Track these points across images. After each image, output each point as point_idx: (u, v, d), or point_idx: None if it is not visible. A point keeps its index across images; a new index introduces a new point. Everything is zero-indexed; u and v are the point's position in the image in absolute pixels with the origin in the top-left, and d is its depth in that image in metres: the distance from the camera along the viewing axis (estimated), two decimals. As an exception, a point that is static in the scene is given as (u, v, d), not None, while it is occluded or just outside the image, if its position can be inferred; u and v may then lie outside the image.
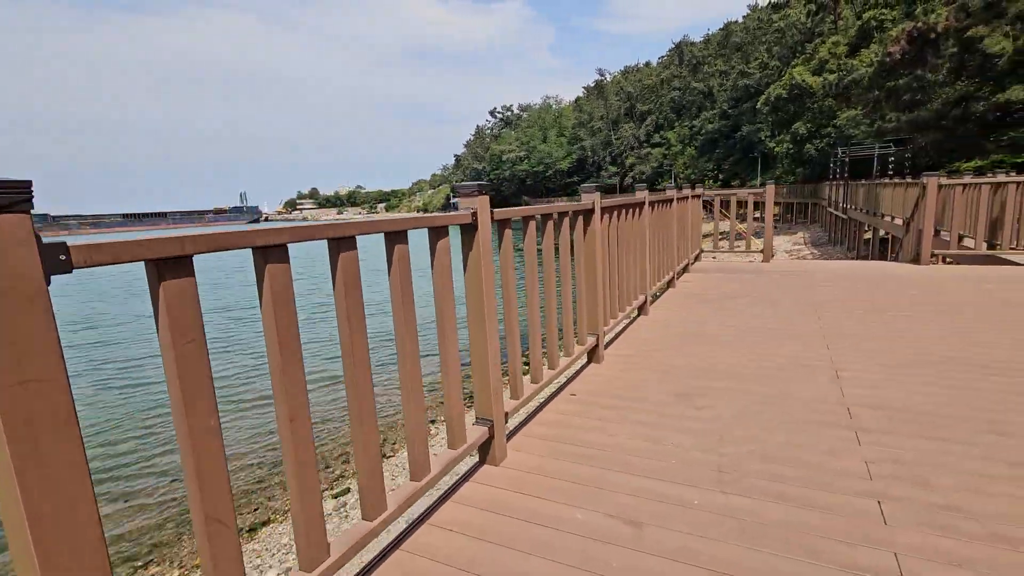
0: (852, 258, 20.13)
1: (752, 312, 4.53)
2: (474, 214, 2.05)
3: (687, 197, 6.89)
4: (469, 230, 2.07)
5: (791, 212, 39.03)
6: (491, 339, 2.15)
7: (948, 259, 6.69)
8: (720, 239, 7.45)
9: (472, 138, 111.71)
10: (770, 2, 51.92)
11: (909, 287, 5.19)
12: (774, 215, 40.98)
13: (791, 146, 30.81)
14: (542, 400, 2.91)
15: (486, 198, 2.09)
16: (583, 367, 3.42)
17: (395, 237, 1.67)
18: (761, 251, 7.23)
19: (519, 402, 2.47)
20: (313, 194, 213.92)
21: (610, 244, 3.68)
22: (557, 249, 2.96)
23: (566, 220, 3.16)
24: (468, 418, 2.15)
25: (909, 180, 8.98)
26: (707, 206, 7.71)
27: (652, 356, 3.56)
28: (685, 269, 6.60)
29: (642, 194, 4.49)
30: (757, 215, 42.01)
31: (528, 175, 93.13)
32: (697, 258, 7.53)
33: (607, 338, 4.05)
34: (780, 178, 44.79)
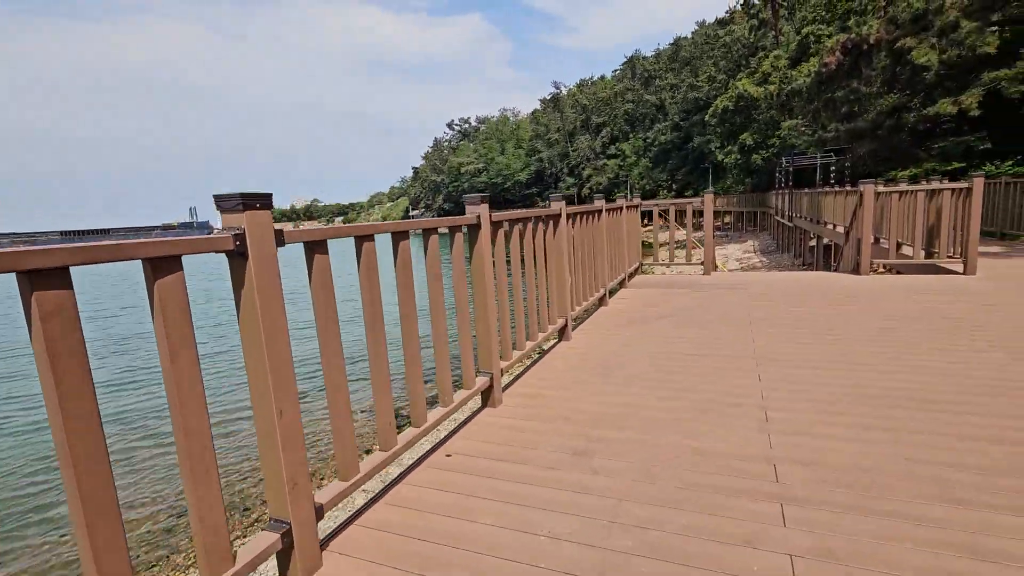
0: (799, 265, 20.48)
1: (682, 335, 4.07)
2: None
3: (620, 208, 6.48)
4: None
5: (742, 221, 40.05)
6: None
7: (888, 268, 6.50)
8: (677, 247, 7.08)
9: (430, 150, 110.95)
10: (717, 18, 53.73)
11: (849, 300, 4.88)
12: (725, 223, 41.94)
13: (739, 156, 31.52)
14: (409, 464, 2.31)
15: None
16: (475, 412, 2.85)
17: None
18: (702, 263, 6.89)
19: (339, 492, 1.81)
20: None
21: (516, 261, 3.14)
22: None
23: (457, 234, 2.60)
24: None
25: (849, 188, 8.89)
26: (662, 216, 7.32)
27: (558, 396, 3.02)
28: (622, 284, 6.16)
29: (557, 205, 3.99)
30: (718, 223, 42.94)
31: (487, 187, 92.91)
32: (637, 271, 7.12)
33: (512, 373, 3.49)
34: (730, 188, 45.97)
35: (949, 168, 19.14)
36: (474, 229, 2.79)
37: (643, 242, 7.25)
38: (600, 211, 5.24)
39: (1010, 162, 16.19)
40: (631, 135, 72.49)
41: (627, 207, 6.95)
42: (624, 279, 6.24)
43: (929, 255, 6.47)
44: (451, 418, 2.75)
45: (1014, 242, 8.66)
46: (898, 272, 6.77)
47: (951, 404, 2.56)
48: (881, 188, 6.24)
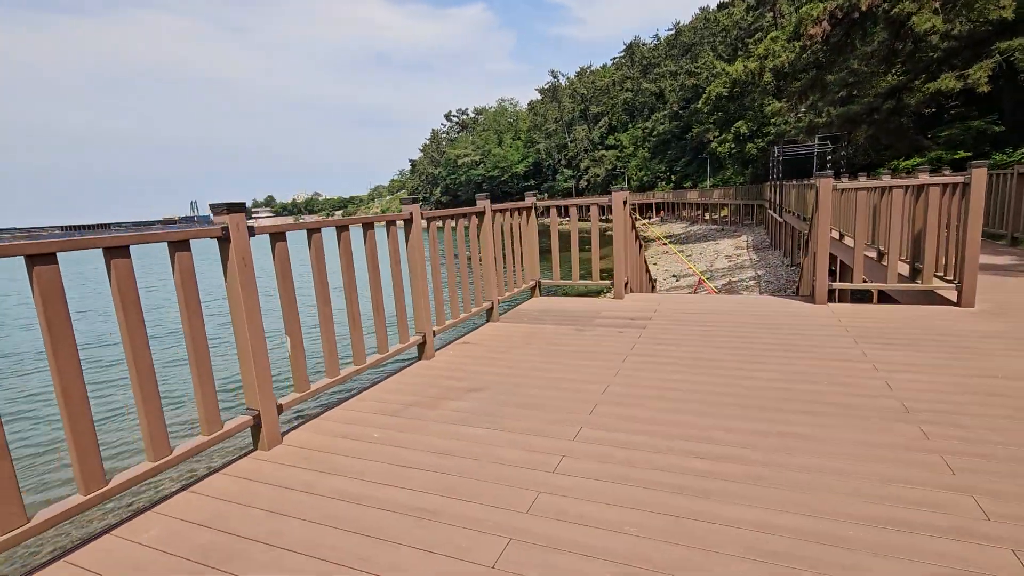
0: (787, 265, 18.72)
1: (478, 435, 2.40)
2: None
3: (507, 210, 4.85)
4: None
5: (739, 214, 38.06)
6: None
7: (857, 294, 4.78)
8: (662, 244, 5.40)
9: (428, 142, 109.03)
10: (719, 2, 51.33)
11: (773, 353, 3.20)
12: (723, 217, 39.79)
13: (733, 145, 29.59)
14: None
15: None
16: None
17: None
18: (610, 286, 5.18)
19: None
20: (269, 202, 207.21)
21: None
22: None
23: None
24: None
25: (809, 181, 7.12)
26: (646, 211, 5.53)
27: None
28: (490, 315, 4.51)
29: (410, 207, 3.52)
30: (715, 217, 40.80)
31: (484, 179, 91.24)
32: (537, 290, 5.46)
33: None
34: (730, 179, 43.92)
35: (956, 157, 17.22)
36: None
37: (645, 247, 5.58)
38: (482, 213, 3.95)
39: (1025, 149, 14.26)
40: (630, 125, 70.31)
41: (515, 210, 5.28)
42: (493, 306, 4.59)
43: (914, 272, 4.76)
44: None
45: (1029, 248, 6.89)
46: (865, 299, 5.06)
47: None
48: (843, 184, 4.48)
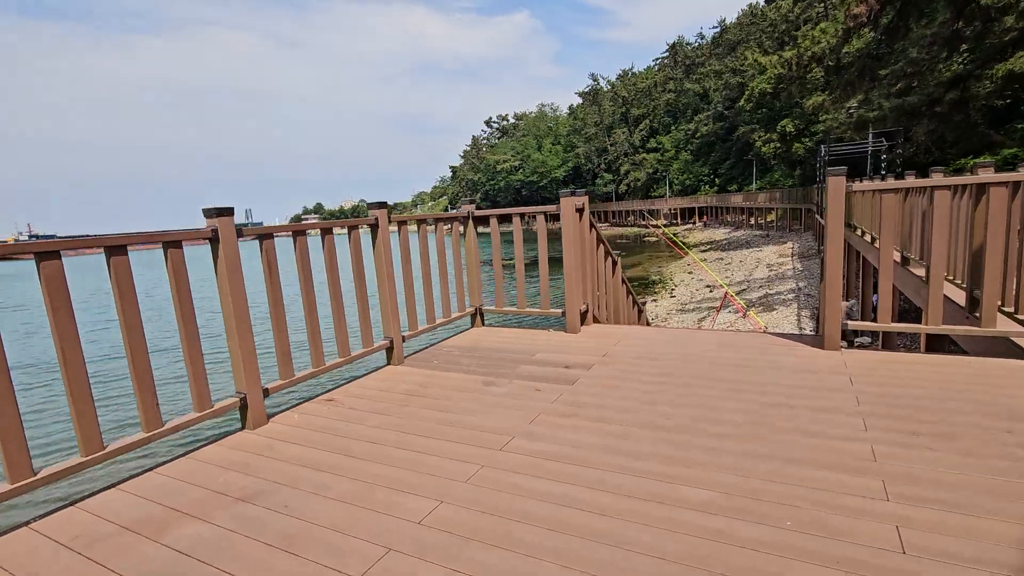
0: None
1: None
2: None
3: (425, 220, 3.95)
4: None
5: (786, 219, 35.54)
6: None
7: (875, 339, 3.52)
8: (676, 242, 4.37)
9: (468, 148, 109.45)
10: (765, -4, 48.60)
11: (750, 458, 2.06)
12: (768, 221, 37.48)
13: (779, 146, 27.47)
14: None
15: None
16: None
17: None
18: (562, 312, 4.12)
19: None
20: (317, 209, 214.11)
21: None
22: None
23: None
24: None
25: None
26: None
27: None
28: (390, 356, 3.56)
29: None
30: (759, 221, 38.36)
31: (523, 185, 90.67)
32: (478, 318, 4.49)
33: None
34: (777, 182, 41.23)
35: (1038, 154, 14.96)
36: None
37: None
38: (375, 224, 3.42)
39: (1126, 143, 12.10)
40: (672, 127, 67.93)
41: (449, 220, 4.35)
42: (389, 344, 3.64)
43: (973, 307, 3.48)
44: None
45: None
46: (894, 347, 3.79)
47: None
48: (862, 185, 3.25)
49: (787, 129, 25.98)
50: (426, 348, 3.93)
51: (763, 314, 12.59)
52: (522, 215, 4.27)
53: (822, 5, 28.72)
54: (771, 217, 37.93)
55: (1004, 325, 3.02)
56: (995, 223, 2.86)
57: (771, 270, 21.79)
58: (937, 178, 3.87)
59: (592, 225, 4.28)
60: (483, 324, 4.53)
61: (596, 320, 4.56)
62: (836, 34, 12.48)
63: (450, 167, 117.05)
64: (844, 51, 15.37)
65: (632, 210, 65.40)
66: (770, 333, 3.73)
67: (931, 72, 12.96)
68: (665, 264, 29.39)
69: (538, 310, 4.30)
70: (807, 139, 24.70)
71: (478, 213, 4.41)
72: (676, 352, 3.41)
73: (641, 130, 72.20)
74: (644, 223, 52.83)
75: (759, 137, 31.52)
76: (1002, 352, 3.08)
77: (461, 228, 4.44)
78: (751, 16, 48.79)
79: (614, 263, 4.91)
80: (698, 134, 58.40)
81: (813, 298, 14.08)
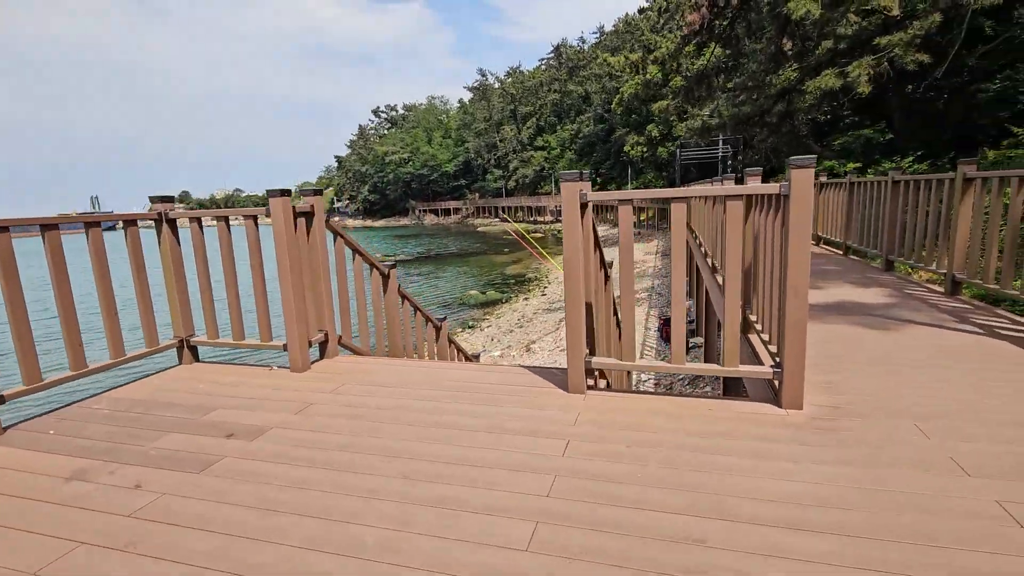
0: (687, 280, 17.72)
1: None
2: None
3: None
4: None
5: (656, 219, 37.71)
6: None
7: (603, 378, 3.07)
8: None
9: (355, 138, 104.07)
10: (639, 7, 51.17)
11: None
12: (640, 220, 39.45)
13: (646, 149, 28.79)
14: None
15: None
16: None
17: None
18: (283, 346, 3.21)
19: None
20: (184, 198, 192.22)
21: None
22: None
23: None
24: None
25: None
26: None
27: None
28: None
29: None
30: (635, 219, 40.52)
31: (413, 178, 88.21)
32: (187, 351, 3.42)
33: None
34: (650, 183, 43.67)
35: (856, 165, 16.79)
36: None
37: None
38: None
39: (911, 158, 13.78)
40: (558, 127, 69.62)
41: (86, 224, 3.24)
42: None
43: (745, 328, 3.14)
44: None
45: (905, 279, 5.59)
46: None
47: None
48: (596, 194, 2.71)
49: (652, 133, 27.32)
50: (90, 398, 2.83)
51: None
52: (225, 218, 3.28)
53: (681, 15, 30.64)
54: (643, 217, 40.12)
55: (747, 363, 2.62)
56: (732, 237, 2.43)
57: (635, 268, 22.66)
58: (672, 189, 3.49)
59: (295, 222, 3.40)
60: (196, 360, 3.48)
61: (355, 351, 3.71)
62: (674, 40, 12.86)
63: (335, 157, 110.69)
64: (699, 64, 16.14)
65: (521, 206, 66.23)
66: (527, 368, 3.12)
67: (764, 85, 13.83)
68: (546, 260, 29.64)
69: (255, 342, 3.34)
70: (670, 143, 26.16)
71: (174, 215, 3.34)
72: (391, 404, 2.65)
73: (529, 128, 73.28)
74: (502, 220, 54.16)
75: (629, 140, 32.94)
76: (731, 391, 2.70)
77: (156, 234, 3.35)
78: (626, 24, 51.18)
79: (385, 276, 4.09)
80: (581, 134, 60.41)
81: (664, 296, 14.60)
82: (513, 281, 25.86)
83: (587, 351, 2.77)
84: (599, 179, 58.50)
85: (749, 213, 3.08)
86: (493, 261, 32.75)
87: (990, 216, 3.88)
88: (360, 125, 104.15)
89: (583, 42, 66.83)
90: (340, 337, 3.58)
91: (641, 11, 45.62)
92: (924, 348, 3.18)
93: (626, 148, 32.32)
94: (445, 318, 5.19)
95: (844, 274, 5.63)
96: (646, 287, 16.69)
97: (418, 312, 4.71)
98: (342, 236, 3.58)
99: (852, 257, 6.78)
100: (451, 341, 5.51)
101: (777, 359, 2.47)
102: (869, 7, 12.88)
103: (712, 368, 2.56)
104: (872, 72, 9.18)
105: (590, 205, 2.62)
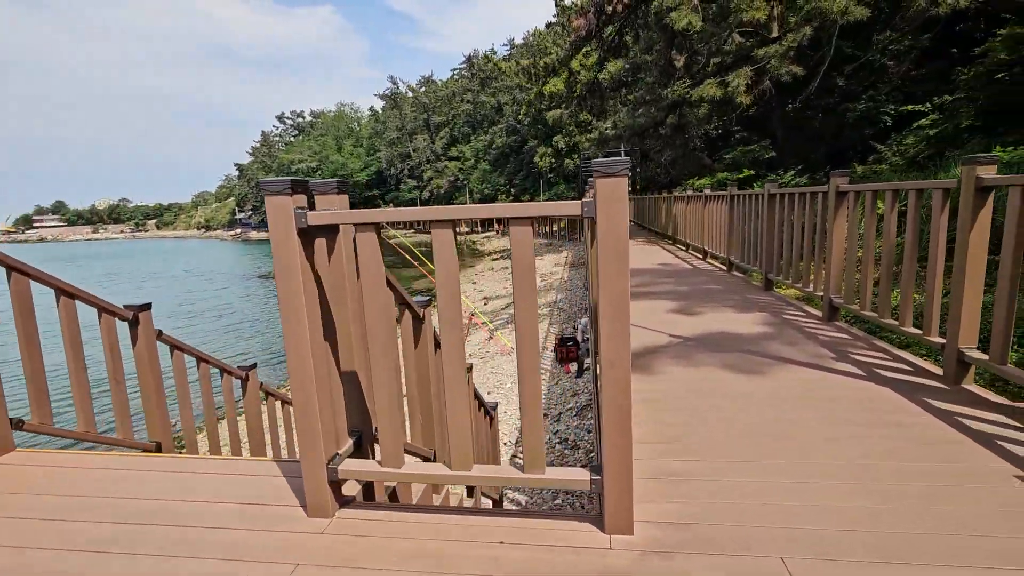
0: (584, 285, 17.53)
1: None
2: None
3: None
4: None
5: (568, 229, 38.06)
6: None
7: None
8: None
9: (259, 145, 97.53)
10: (547, 23, 52.02)
11: None
12: (553, 230, 39.63)
13: (553, 160, 28.79)
14: None
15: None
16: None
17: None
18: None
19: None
20: (59, 208, 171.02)
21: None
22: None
23: None
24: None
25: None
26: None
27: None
28: None
29: None
30: (543, 230, 40.58)
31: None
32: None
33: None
34: (563, 194, 44.16)
35: (742, 175, 17.42)
36: None
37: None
38: None
39: (792, 172, 14.37)
40: (472, 137, 69.22)
41: None
42: None
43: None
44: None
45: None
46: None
47: None
48: (317, 214, 1.84)
49: (559, 145, 27.37)
50: None
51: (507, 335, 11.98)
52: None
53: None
54: (555, 227, 40.39)
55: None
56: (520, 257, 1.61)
57: (543, 280, 22.28)
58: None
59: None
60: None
61: (72, 436, 2.53)
62: (563, 47, 12.54)
63: (236, 165, 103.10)
64: (591, 75, 16.03)
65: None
66: (278, 463, 2.15)
67: (658, 99, 13.84)
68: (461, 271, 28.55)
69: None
70: (576, 156, 26.32)
71: None
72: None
73: (443, 138, 72.34)
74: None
75: (539, 152, 32.94)
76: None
77: None
78: (536, 37, 51.85)
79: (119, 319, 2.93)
80: (494, 145, 60.31)
81: (565, 312, 14.15)
82: (418, 295, 24.57)
83: (347, 444, 1.84)
84: (512, 190, 58.58)
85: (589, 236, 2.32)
86: (400, 275, 31.32)
87: (865, 235, 3.45)
88: (263, 131, 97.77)
89: (493, 53, 67.05)
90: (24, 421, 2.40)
91: (548, 26, 46.35)
92: (801, 407, 2.58)
93: (535, 159, 32.20)
94: (255, 365, 4.06)
95: (725, 295, 5.17)
96: (549, 301, 16.20)
97: (203, 363, 3.56)
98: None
99: (736, 274, 6.45)
100: (270, 393, 4.39)
101: (597, 461, 1.67)
102: (750, 28, 13.37)
103: (510, 477, 1.72)
104: (751, 82, 9.19)
105: (325, 232, 1.71)
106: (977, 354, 2.59)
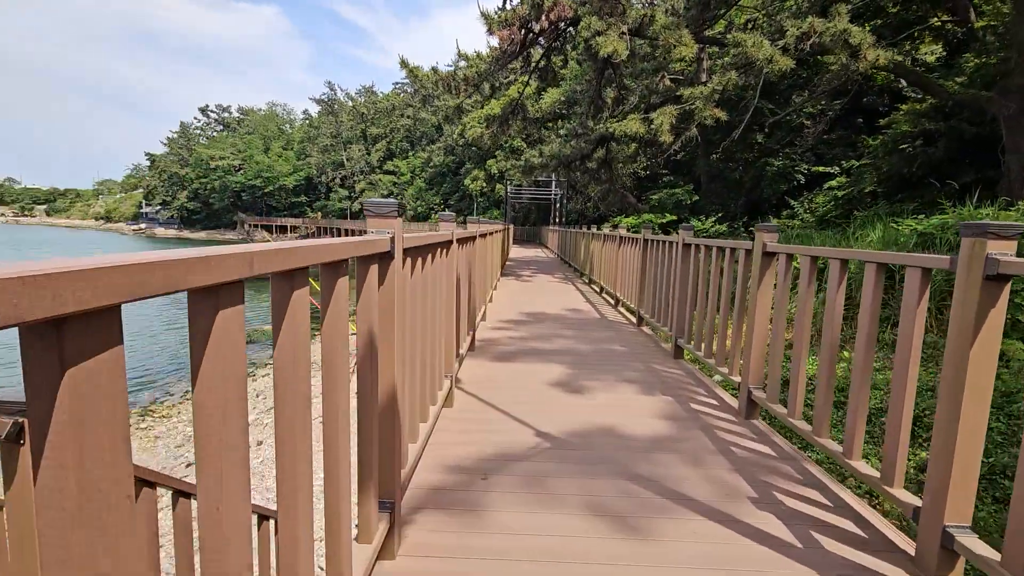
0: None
1: None
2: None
3: None
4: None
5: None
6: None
7: None
8: None
9: (176, 136, 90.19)
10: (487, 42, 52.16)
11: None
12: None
13: (485, 184, 27.99)
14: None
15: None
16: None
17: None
18: None
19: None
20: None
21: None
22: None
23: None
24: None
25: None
26: None
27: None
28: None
29: None
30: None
31: (244, 188, 78.64)
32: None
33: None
34: (496, 219, 43.57)
35: (663, 221, 17.27)
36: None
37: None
38: None
39: (713, 219, 14.23)
40: (409, 153, 67.63)
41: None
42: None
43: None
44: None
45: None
46: None
47: None
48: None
49: (492, 170, 26.64)
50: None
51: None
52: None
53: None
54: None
55: None
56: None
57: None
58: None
59: None
60: None
61: None
62: (486, 60, 11.75)
63: (146, 154, 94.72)
64: (536, 105, 15.40)
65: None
66: None
67: (588, 131, 13.27)
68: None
69: None
70: (508, 182, 25.68)
71: None
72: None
73: (379, 150, 70.23)
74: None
75: (471, 174, 32.08)
76: None
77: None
78: (478, 59, 51.75)
79: None
80: (432, 163, 59.10)
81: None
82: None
83: None
84: (448, 210, 57.42)
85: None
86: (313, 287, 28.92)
87: (798, 313, 2.55)
88: (183, 122, 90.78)
89: (435, 72, 66.45)
90: None
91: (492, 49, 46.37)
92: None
93: (466, 182, 31.28)
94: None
95: (627, 362, 4.20)
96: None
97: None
98: None
99: (645, 330, 5.57)
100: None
101: None
102: (679, 75, 13.28)
103: None
104: (675, 122, 8.66)
105: None
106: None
